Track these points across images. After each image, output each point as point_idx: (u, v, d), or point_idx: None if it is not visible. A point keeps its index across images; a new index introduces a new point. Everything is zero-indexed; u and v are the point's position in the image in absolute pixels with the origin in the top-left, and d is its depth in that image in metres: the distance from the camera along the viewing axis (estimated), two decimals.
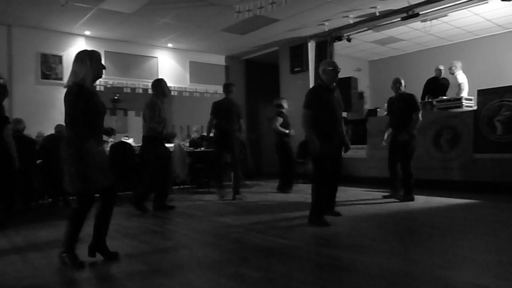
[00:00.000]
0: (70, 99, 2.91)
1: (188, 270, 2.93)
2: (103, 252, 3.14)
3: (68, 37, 8.29)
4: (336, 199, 4.76)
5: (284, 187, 7.22)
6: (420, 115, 5.66)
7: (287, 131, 7.11)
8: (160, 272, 2.85)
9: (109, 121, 10.05)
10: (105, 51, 8.64)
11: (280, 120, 7.11)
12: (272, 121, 7.33)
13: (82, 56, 3.03)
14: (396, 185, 5.90)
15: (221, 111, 6.33)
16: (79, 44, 8.36)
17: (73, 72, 3.03)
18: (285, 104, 7.37)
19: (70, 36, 8.32)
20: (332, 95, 4.49)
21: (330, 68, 4.50)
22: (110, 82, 8.78)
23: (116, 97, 10.07)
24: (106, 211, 3.16)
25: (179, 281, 2.65)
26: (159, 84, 5.54)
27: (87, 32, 8.32)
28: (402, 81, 5.94)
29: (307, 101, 4.45)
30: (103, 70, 3.13)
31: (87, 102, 2.90)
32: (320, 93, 4.47)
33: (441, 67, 8.31)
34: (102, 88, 8.72)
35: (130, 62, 9.16)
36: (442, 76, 8.29)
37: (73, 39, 8.35)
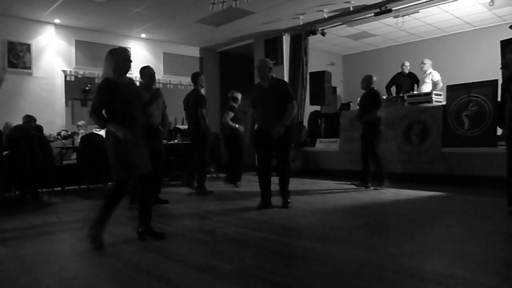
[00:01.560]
0: (96, 92, 3.31)
1: (159, 263, 2.91)
2: (151, 233, 3.48)
3: (37, 25, 8.03)
4: (309, 190, 4.82)
5: (234, 180, 7.13)
6: (378, 112, 6.16)
7: (236, 126, 6.92)
8: (131, 265, 2.82)
9: (80, 112, 9.84)
10: (75, 40, 8.42)
11: (231, 114, 6.92)
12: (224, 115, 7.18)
13: (108, 53, 3.37)
14: (366, 175, 6.34)
15: (188, 104, 6.17)
16: (48, 33, 8.12)
17: (103, 67, 3.40)
18: (239, 97, 7.18)
19: (39, 24, 8.05)
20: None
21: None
22: (81, 72, 8.57)
23: (87, 88, 9.86)
24: (148, 196, 3.48)
25: (150, 274, 2.63)
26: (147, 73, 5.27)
27: (57, 20, 8.07)
28: (374, 78, 6.32)
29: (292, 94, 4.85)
30: (129, 64, 3.40)
31: (112, 93, 3.21)
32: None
33: (407, 64, 8.51)
34: (73, 79, 8.50)
35: (102, 52, 8.76)
36: (408, 72, 8.49)
37: (42, 27, 8.09)
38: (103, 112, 3.26)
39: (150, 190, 3.48)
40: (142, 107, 3.63)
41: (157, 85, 8.90)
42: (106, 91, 3.21)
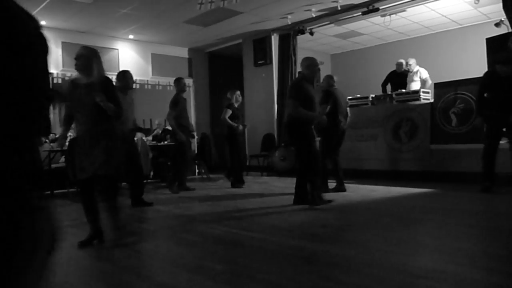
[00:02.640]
0: None
1: (150, 265, 2.90)
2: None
3: None
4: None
5: (236, 183, 7.06)
6: (327, 109, 5.49)
7: (235, 125, 6.92)
8: (122, 267, 2.81)
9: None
10: (62, 42, 8.34)
11: (229, 112, 6.91)
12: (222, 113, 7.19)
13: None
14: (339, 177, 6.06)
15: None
16: None
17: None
18: (236, 97, 7.17)
19: None
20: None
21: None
22: (69, 74, 8.48)
23: None
24: (107, 197, 3.46)
25: (141, 276, 2.62)
26: (123, 76, 5.41)
27: (43, 22, 7.98)
28: (335, 78, 6.21)
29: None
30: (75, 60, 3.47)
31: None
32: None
33: (402, 61, 8.60)
34: (60, 81, 8.42)
35: None
36: (402, 70, 8.57)
37: None
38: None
39: (108, 192, 3.38)
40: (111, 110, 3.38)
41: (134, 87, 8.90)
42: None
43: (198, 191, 6.67)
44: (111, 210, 3.40)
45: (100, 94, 3.22)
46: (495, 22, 7.82)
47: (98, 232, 3.42)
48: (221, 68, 11.11)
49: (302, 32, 8.88)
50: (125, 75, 5.39)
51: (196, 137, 9.83)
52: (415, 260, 2.69)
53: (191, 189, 6.75)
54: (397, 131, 7.10)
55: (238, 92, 7.23)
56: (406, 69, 8.42)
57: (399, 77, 8.54)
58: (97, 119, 3.30)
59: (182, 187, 6.70)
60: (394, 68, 8.77)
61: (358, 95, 8.02)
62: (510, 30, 6.41)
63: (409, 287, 2.22)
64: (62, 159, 7.12)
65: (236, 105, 7.11)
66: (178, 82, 6.67)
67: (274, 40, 9.43)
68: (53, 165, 6.88)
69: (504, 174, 5.50)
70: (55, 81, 8.30)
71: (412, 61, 8.30)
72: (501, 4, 6.27)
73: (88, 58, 3.32)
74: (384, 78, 8.89)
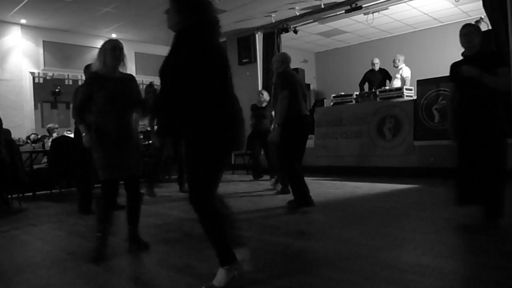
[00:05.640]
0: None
1: (137, 265, 2.87)
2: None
3: (1, 25, 7.77)
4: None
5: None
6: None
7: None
8: (107, 269, 2.78)
9: (50, 114, 9.60)
10: (43, 41, 8.20)
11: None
12: None
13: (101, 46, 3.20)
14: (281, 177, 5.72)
15: None
16: (14, 33, 7.88)
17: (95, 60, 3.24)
18: (260, 96, 7.25)
19: (4, 25, 7.80)
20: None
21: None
22: (50, 74, 8.35)
23: (57, 90, 9.62)
24: (133, 198, 3.29)
25: (128, 277, 2.60)
26: None
27: (23, 21, 7.84)
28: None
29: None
30: (111, 58, 3.13)
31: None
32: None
33: (376, 60, 8.63)
34: (42, 81, 8.28)
35: (72, 52, 8.74)
36: (378, 68, 8.62)
37: (7, 27, 7.85)
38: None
39: (134, 193, 3.25)
40: (138, 105, 3.33)
41: None
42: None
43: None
44: (137, 216, 3.26)
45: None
46: (475, 20, 7.94)
47: (105, 244, 3.08)
48: None
49: (286, 30, 8.90)
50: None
51: None
52: (401, 255, 2.73)
53: (153, 196, 6.09)
54: (381, 128, 7.17)
55: (261, 91, 7.33)
56: (394, 65, 8.41)
57: (376, 75, 8.61)
58: (130, 116, 3.18)
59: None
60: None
61: (342, 93, 8.08)
62: (490, 28, 6.52)
63: (396, 282, 2.25)
64: (44, 159, 7.01)
65: (260, 105, 7.21)
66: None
67: (259, 38, 9.43)
68: (35, 166, 6.77)
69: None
70: (36, 80, 8.16)
71: (401, 58, 8.27)
72: (481, 2, 6.39)
73: (123, 52, 3.19)
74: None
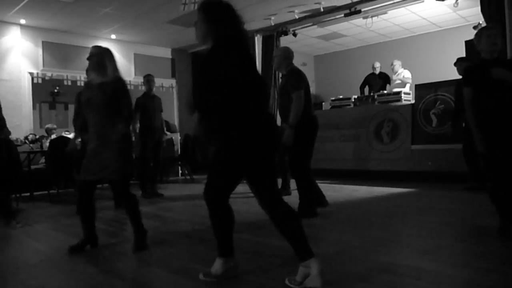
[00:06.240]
0: None
1: (134, 267, 2.87)
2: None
3: (0, 25, 7.77)
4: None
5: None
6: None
7: None
8: (103, 271, 2.77)
9: (48, 115, 9.58)
10: (42, 42, 8.19)
11: None
12: None
13: None
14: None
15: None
16: (14, 34, 7.87)
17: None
18: None
19: (3, 25, 7.79)
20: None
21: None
22: (49, 74, 8.34)
23: (56, 90, 9.61)
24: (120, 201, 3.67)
25: (124, 279, 2.59)
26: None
27: (23, 21, 7.83)
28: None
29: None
30: (89, 65, 3.38)
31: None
32: None
33: (377, 64, 8.69)
34: (40, 81, 8.27)
35: (71, 53, 8.73)
36: (379, 72, 8.68)
37: (7, 28, 7.84)
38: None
39: (120, 197, 3.43)
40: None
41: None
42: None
43: (180, 191, 6.63)
44: (131, 217, 3.27)
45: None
46: (473, 25, 7.97)
47: (92, 237, 3.30)
48: None
49: (285, 33, 8.92)
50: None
51: (179, 137, 9.80)
52: (398, 259, 2.73)
53: (147, 197, 6.10)
54: (379, 131, 7.18)
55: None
56: (393, 71, 8.49)
57: (376, 79, 8.65)
58: (108, 120, 3.17)
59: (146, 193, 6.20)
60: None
61: (341, 96, 8.10)
62: None
63: (391, 286, 2.25)
64: (42, 160, 7.00)
65: None
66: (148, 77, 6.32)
67: (258, 41, 9.44)
68: (33, 167, 6.76)
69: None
70: (34, 81, 8.15)
71: (396, 62, 8.39)
72: (479, 8, 6.42)
73: (100, 57, 3.21)
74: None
